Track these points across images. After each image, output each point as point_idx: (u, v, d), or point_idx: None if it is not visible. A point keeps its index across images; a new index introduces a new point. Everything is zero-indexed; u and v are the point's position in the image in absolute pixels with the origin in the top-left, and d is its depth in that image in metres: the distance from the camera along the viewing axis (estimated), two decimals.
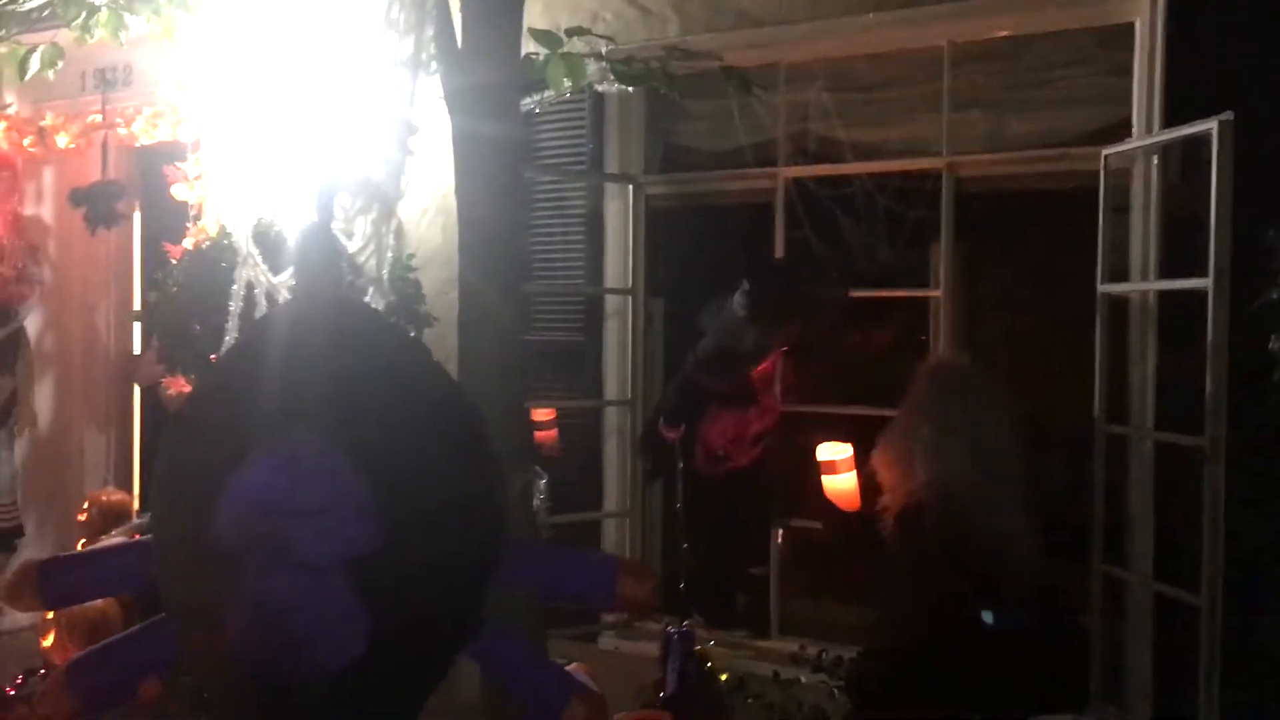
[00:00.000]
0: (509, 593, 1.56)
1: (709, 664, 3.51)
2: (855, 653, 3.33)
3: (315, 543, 1.59)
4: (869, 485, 3.30)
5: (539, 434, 4.40)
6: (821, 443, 3.72)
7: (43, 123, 5.24)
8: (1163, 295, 3.43)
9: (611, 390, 4.50)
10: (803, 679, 3.74)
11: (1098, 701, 3.48)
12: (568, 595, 1.92)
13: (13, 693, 4.05)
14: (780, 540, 4.19)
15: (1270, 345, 2.59)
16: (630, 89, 3.41)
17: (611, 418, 4.51)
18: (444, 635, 1.75)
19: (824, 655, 3.70)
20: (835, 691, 3.61)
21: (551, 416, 4.47)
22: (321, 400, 1.63)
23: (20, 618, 5.45)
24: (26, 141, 5.29)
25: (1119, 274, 3.51)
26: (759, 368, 4.13)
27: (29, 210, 5.53)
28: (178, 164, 4.71)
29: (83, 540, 4.62)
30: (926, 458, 2.94)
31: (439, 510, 1.66)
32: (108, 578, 1.88)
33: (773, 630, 4.16)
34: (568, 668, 1.96)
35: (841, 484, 3.62)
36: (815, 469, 3.72)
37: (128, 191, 5.09)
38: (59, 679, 1.86)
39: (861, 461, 3.45)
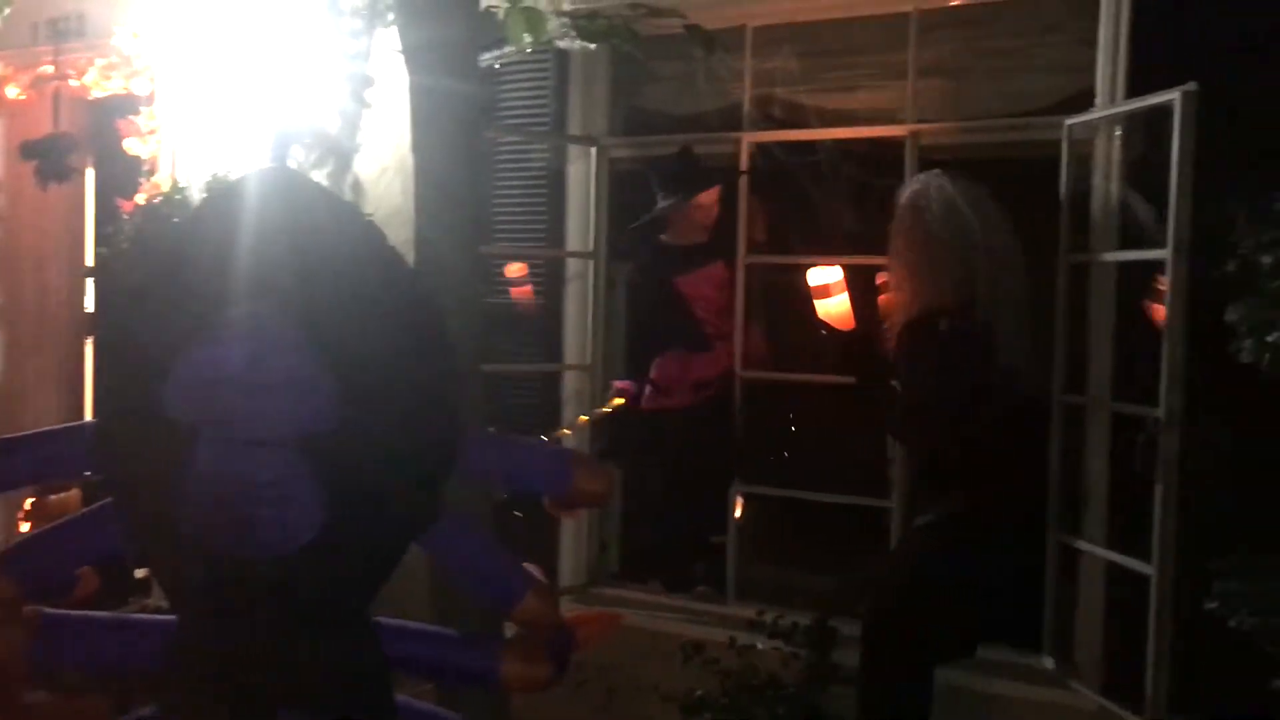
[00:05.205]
0: (466, 488, 1.52)
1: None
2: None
3: (271, 418, 1.54)
4: (863, 308, 3.63)
5: (514, 290, 4.47)
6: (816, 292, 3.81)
7: None
8: (1122, 266, 3.43)
9: (571, 355, 4.46)
10: (759, 645, 3.74)
11: (1050, 670, 3.52)
12: (525, 486, 1.90)
13: None
14: (739, 506, 4.19)
15: (1227, 317, 2.59)
16: (593, 47, 3.36)
17: (571, 382, 4.48)
18: (398, 521, 1.71)
19: (779, 622, 3.72)
20: (791, 659, 3.63)
21: (524, 273, 4.49)
22: (280, 276, 1.57)
23: None
24: None
25: (1082, 244, 3.51)
26: (700, 273, 4.20)
27: None
28: (131, 117, 4.63)
29: (30, 499, 4.55)
30: (942, 267, 3.16)
31: (395, 392, 1.61)
32: (46, 460, 1.84)
33: (730, 595, 4.15)
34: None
35: (836, 306, 3.66)
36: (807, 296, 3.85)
37: (80, 145, 4.98)
38: None
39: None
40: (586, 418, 4.25)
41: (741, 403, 4.11)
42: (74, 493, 4.28)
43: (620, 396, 4.30)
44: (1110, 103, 3.43)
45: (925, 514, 3.33)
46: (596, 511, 4.45)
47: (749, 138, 4.11)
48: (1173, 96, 2.98)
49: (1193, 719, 3.14)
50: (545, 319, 4.50)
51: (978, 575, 3.17)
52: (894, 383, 3.42)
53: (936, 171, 3.43)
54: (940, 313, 3.18)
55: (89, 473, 1.80)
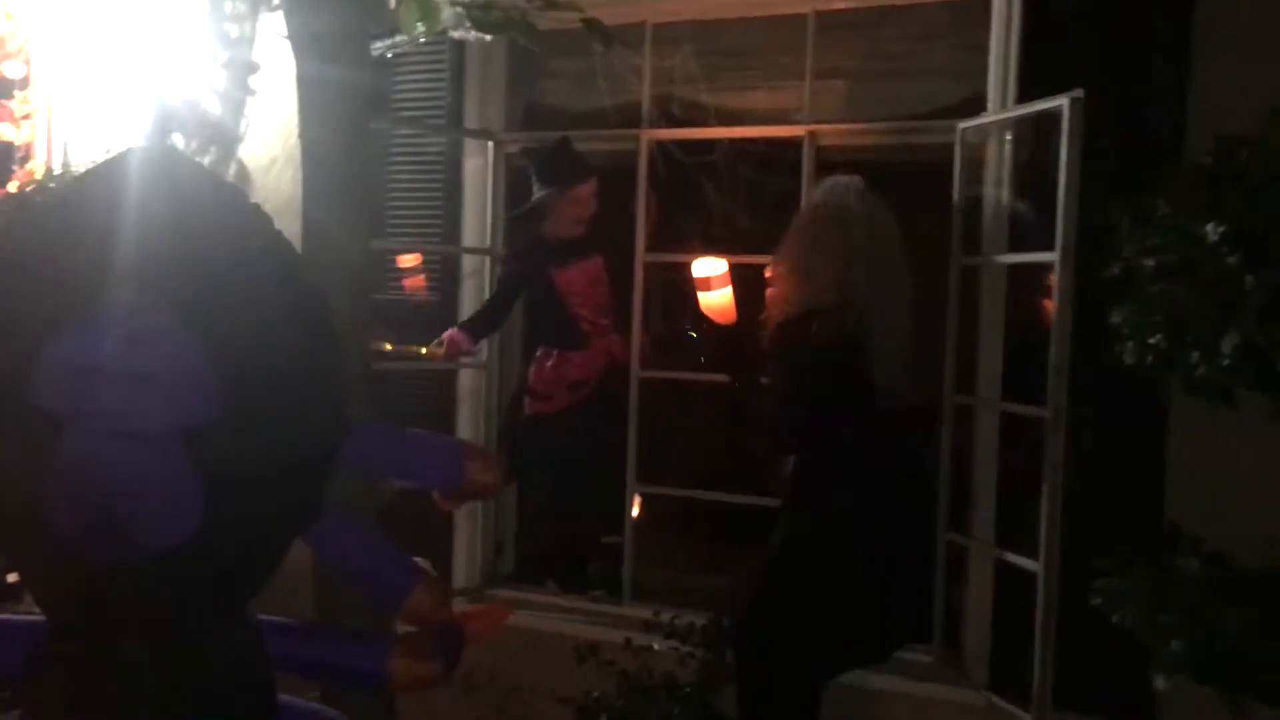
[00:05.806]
0: (353, 481, 1.46)
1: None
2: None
3: (147, 409, 1.44)
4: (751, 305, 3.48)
5: (407, 282, 4.38)
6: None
7: None
8: (1013, 269, 3.49)
9: None
10: (655, 645, 3.72)
11: (938, 666, 3.56)
12: (415, 477, 1.84)
13: None
14: (637, 506, 4.16)
15: (1110, 319, 2.64)
16: (490, 39, 3.30)
17: (467, 380, 4.41)
18: (281, 516, 1.63)
19: (674, 622, 3.70)
20: (687, 658, 3.62)
21: (418, 262, 4.41)
22: (158, 260, 1.48)
23: None
24: None
25: (974, 247, 3.56)
26: (578, 273, 4.15)
27: None
28: (4, 101, 4.43)
29: None
30: (821, 269, 3.10)
31: (278, 383, 1.53)
32: None
33: (625, 596, 4.13)
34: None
35: (717, 299, 3.61)
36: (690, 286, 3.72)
37: None
38: None
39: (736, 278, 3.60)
40: (424, 350, 4.16)
41: (635, 402, 4.09)
42: None
43: (443, 347, 4.14)
44: (1001, 108, 3.49)
45: (791, 520, 3.29)
46: (492, 513, 4.39)
47: (648, 135, 4.09)
48: (1061, 103, 3.04)
49: (1077, 713, 3.21)
50: (440, 313, 4.43)
51: (839, 578, 3.10)
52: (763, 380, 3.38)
53: (856, 178, 3.39)
54: (814, 314, 3.14)
55: None
